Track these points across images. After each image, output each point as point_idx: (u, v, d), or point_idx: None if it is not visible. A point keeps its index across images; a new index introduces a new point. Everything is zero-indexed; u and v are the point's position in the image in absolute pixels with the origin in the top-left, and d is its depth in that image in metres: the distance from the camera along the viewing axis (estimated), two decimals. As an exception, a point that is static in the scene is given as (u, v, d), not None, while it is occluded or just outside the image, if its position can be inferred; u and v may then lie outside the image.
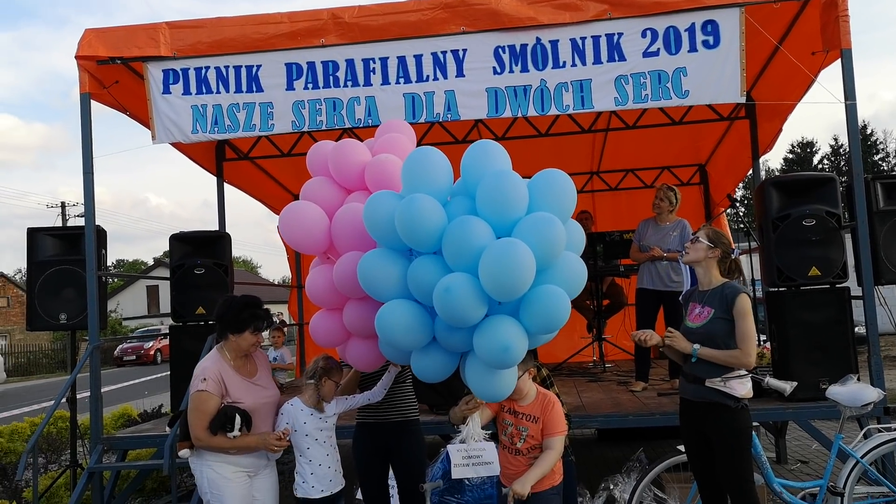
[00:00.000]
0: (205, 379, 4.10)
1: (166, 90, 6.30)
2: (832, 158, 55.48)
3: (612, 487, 5.47)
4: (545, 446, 3.76)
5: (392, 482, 4.86)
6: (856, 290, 5.72)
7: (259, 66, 6.23)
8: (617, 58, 5.84)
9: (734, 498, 4.10)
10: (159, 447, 5.95)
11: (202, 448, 4.14)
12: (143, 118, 6.53)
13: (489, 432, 4.05)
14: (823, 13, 5.79)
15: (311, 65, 6.18)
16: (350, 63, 6.14)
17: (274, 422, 4.40)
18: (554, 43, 5.91)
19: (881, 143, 55.79)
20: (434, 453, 5.74)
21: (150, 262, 63.76)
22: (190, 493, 6.38)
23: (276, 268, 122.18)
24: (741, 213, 7.97)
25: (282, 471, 5.00)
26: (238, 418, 4.10)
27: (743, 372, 4.10)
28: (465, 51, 6.00)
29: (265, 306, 4.41)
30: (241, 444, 4.14)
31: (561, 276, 3.42)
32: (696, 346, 4.08)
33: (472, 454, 4.48)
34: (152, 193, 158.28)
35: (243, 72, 6.26)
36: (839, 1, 5.55)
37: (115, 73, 6.42)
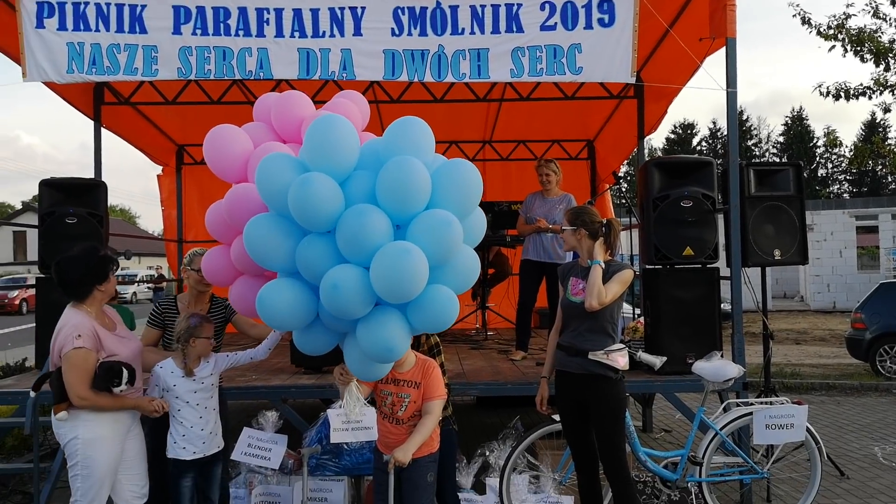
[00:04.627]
0: (79, 336, 3.86)
1: (40, 24, 5.85)
2: (710, 141, 58.25)
3: (487, 454, 5.57)
4: (424, 411, 3.78)
5: None
6: (724, 271, 6.02)
7: (144, 6, 5.87)
8: (515, 29, 5.85)
9: (607, 464, 4.28)
10: (21, 404, 5.62)
11: (84, 407, 3.90)
12: (14, 53, 6.05)
13: (369, 399, 4.04)
14: (712, 1, 5.98)
15: (201, 10, 5.87)
16: (243, 11, 5.87)
17: (141, 372, 4.27)
18: (454, 8, 5.85)
19: (755, 129, 59.00)
20: (313, 417, 5.69)
21: (19, 206, 59.96)
22: (53, 452, 6.09)
23: (155, 219, 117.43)
24: (623, 190, 8.21)
25: (147, 432, 4.86)
26: (125, 373, 3.93)
27: (622, 345, 4.27)
28: (363, 9, 5.85)
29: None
30: (122, 403, 4.00)
31: (453, 275, 3.38)
32: (599, 260, 4.22)
33: (351, 419, 4.48)
34: (24, 131, 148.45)
35: (126, 10, 5.88)
36: (727, -10, 5.75)
37: (-16, 2, 5.92)
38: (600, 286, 4.14)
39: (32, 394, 4.40)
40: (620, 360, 4.22)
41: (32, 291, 6.28)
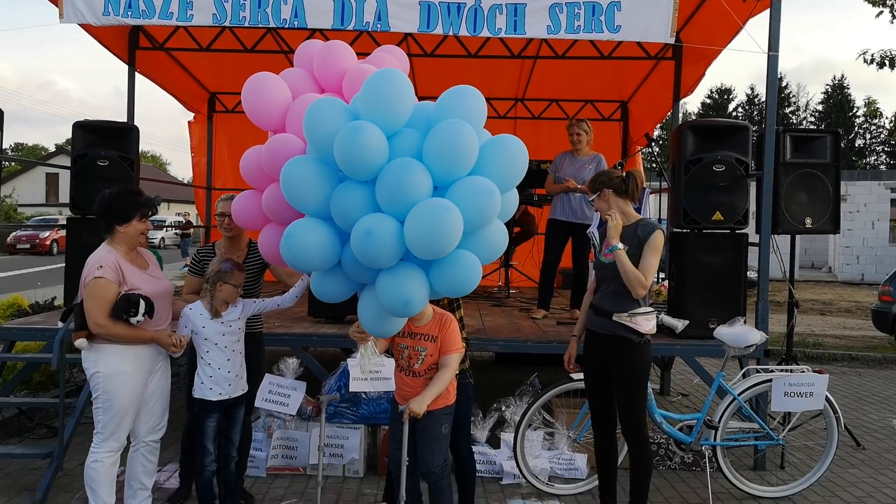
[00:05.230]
0: (101, 266, 4.03)
1: (76, -36, 5.85)
2: (746, 107, 57.11)
3: (503, 409, 5.64)
4: (441, 364, 3.81)
5: None
6: (753, 238, 5.96)
7: (180, -50, 5.85)
8: (553, -16, 5.75)
9: (626, 426, 4.29)
10: (49, 340, 5.77)
11: (102, 336, 4.05)
12: (51, -7, 6.06)
13: (386, 353, 4.08)
14: (758, -38, 5.83)
15: (237, -45, 5.84)
16: (279, -43, 5.82)
17: (168, 314, 4.38)
18: (492, -39, 5.75)
19: (794, 96, 57.73)
20: (334, 366, 5.78)
21: (52, 149, 60.60)
22: (79, 389, 6.25)
23: (185, 166, 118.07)
24: (655, 153, 8.15)
25: (176, 372, 4.97)
26: (142, 303, 4.04)
27: (649, 309, 4.24)
28: (400, -42, 5.77)
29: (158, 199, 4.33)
30: (140, 334, 4.11)
31: (482, 244, 3.36)
32: (621, 245, 4.14)
33: (371, 369, 4.55)
34: (60, 75, 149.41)
35: (163, -46, 5.86)
36: (774, -50, 5.59)
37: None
38: (634, 273, 4.08)
39: (60, 324, 4.53)
40: (645, 324, 4.18)
41: (63, 232, 6.42)
